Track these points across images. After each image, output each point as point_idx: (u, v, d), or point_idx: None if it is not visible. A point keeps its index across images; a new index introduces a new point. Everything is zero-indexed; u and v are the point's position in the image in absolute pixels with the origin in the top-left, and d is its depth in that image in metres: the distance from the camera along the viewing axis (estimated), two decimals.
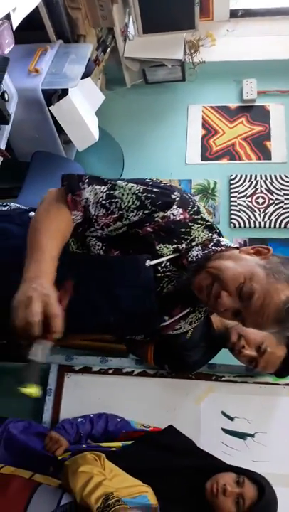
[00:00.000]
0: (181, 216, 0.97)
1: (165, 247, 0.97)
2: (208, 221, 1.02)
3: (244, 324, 0.94)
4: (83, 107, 1.94)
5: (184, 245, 0.99)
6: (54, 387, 1.79)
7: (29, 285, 0.82)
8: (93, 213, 0.97)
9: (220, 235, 1.06)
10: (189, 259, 1.00)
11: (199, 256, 1.00)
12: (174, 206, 0.97)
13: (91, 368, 1.81)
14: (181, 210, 0.97)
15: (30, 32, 1.76)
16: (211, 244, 1.01)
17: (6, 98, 1.58)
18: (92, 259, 1.00)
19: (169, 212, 0.96)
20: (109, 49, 2.29)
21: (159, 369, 1.77)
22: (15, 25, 1.48)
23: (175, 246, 0.98)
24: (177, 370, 1.74)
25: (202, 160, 2.47)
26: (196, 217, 0.99)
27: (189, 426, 1.64)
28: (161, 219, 0.96)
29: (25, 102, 1.76)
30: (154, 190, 0.97)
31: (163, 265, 0.99)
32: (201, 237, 1.01)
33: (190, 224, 0.99)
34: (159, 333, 1.11)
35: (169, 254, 0.98)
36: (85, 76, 1.92)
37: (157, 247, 0.97)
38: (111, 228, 0.98)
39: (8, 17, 1.43)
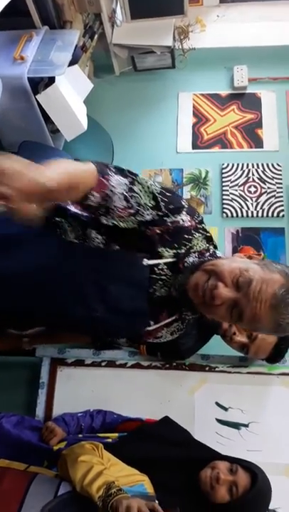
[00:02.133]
0: (189, 223, 1.01)
1: (166, 250, 1.00)
2: (208, 232, 1.06)
3: (241, 317, 0.94)
4: (71, 95, 1.90)
5: (183, 251, 1.02)
6: (47, 381, 1.79)
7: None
8: (115, 204, 0.95)
9: (216, 247, 1.10)
10: (185, 264, 1.02)
11: (195, 262, 1.03)
12: (184, 212, 1.00)
13: (84, 360, 1.81)
14: (189, 217, 1.01)
15: (14, 18, 1.72)
16: (208, 254, 1.05)
17: None
18: (91, 250, 1.01)
19: (178, 218, 0.99)
20: (96, 35, 2.24)
21: (152, 360, 1.76)
22: None
23: (175, 251, 1.01)
24: (169, 357, 1.75)
25: (193, 148, 2.44)
26: (199, 226, 1.04)
27: (183, 417, 1.64)
28: (171, 223, 0.99)
29: (11, 91, 1.72)
30: (168, 194, 1.00)
31: (160, 267, 1.01)
32: (200, 247, 1.04)
33: (193, 232, 1.02)
34: (142, 338, 1.12)
35: (168, 258, 1.01)
36: (72, 63, 1.87)
37: (159, 249, 1.00)
38: (123, 221, 0.98)
39: None
